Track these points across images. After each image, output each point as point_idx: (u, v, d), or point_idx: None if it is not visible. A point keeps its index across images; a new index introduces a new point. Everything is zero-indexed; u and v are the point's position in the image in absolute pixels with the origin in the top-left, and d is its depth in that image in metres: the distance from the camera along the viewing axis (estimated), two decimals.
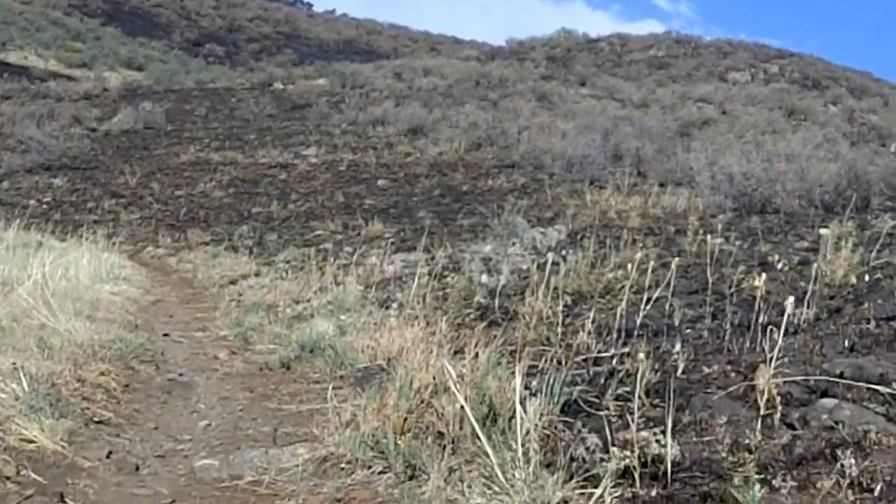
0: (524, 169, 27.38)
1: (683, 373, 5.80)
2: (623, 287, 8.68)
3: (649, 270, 7.52)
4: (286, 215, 22.74)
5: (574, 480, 4.00)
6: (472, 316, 8.51)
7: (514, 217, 15.03)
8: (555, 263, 10.01)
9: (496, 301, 8.79)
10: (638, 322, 6.90)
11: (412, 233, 17.87)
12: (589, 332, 6.77)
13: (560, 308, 7.60)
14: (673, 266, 7.23)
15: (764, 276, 6.06)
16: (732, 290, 8.02)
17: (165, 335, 9.83)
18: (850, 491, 3.89)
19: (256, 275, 14.01)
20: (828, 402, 4.78)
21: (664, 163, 24.82)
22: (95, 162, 33.06)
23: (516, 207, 16.93)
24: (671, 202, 18.15)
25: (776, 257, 9.28)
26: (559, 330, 7.22)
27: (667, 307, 7.64)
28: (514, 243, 12.24)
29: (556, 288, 8.05)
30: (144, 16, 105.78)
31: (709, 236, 9.45)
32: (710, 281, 8.07)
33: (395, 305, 9.18)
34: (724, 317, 7.02)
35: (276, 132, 37.22)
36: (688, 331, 7.05)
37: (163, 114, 41.98)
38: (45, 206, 26.26)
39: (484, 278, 10.10)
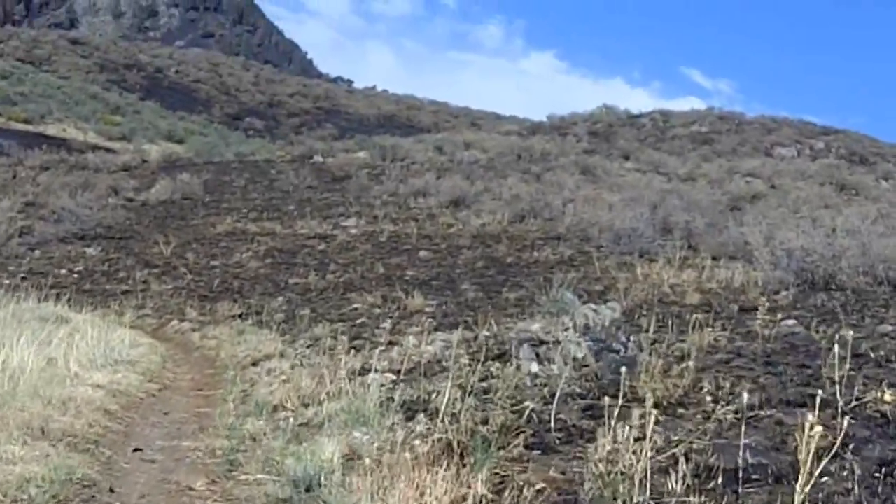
0: (570, 241, 26.56)
1: None
2: (702, 388, 7.93)
3: (729, 367, 6.39)
4: (324, 286, 21.83)
5: None
6: (521, 437, 7.00)
7: (563, 292, 13.99)
8: (613, 351, 9.17)
9: (552, 410, 7.48)
10: (745, 458, 5.50)
11: (455, 306, 16.93)
12: (684, 478, 5.40)
13: (632, 431, 5.97)
14: (754, 356, 6.04)
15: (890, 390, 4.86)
16: (851, 401, 6.78)
17: (137, 450, 8.32)
18: None
19: (281, 355, 12.98)
20: None
21: (716, 236, 23.98)
22: (130, 232, 32.51)
23: (565, 282, 15.87)
24: (726, 277, 17.17)
25: (865, 345, 8.28)
26: (638, 470, 5.59)
27: (776, 430, 6.36)
28: (564, 322, 11.19)
29: (625, 395, 6.76)
30: (184, 90, 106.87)
31: (779, 315, 8.43)
32: (810, 382, 6.88)
33: (423, 419, 7.60)
34: (858, 447, 5.62)
35: (316, 203, 36.63)
36: (824, 479, 5.24)
37: (201, 185, 41.63)
38: (75, 276, 25.61)
39: (534, 367, 9.11)
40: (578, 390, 8.23)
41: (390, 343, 11.62)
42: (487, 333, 11.36)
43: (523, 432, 6.97)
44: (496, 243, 26.67)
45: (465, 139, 61.08)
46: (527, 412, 7.42)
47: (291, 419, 8.46)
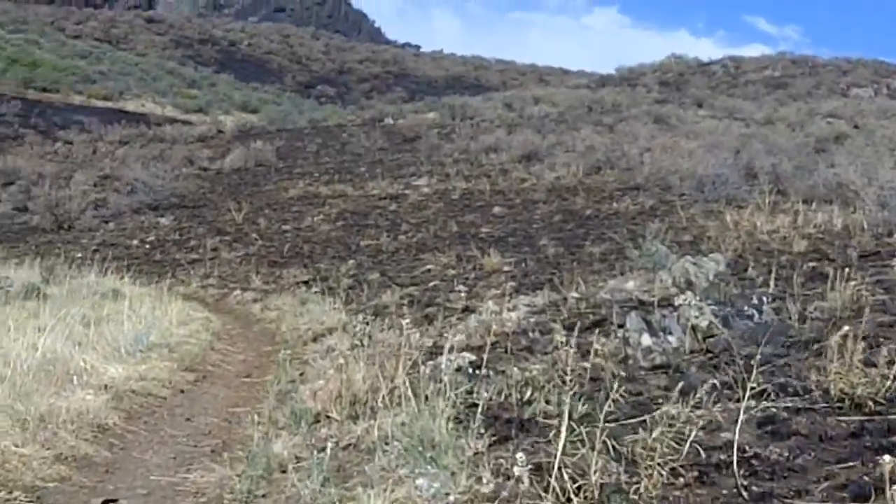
0: (650, 191, 25.54)
1: None
2: None
3: None
4: (395, 248, 21.23)
5: None
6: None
7: (656, 244, 12.93)
8: (745, 315, 7.65)
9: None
10: None
11: (535, 264, 16.17)
12: None
13: None
14: None
15: None
16: None
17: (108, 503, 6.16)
18: None
19: (343, 329, 12.00)
20: None
21: (805, 179, 22.74)
22: (203, 200, 32.30)
23: (657, 233, 14.86)
24: (824, 220, 15.97)
25: None
26: None
27: None
28: (661, 278, 10.07)
29: (807, 392, 5.20)
30: (256, 62, 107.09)
31: None
32: None
33: (521, 461, 4.74)
34: None
35: (387, 164, 36.06)
36: None
37: (274, 151, 41.32)
38: (147, 246, 25.37)
39: (646, 340, 7.42)
40: (725, 378, 6.04)
41: (466, 309, 10.69)
42: (576, 294, 10.31)
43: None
44: (572, 196, 25.80)
45: (533, 95, 60.19)
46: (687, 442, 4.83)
47: (335, 438, 6.38)
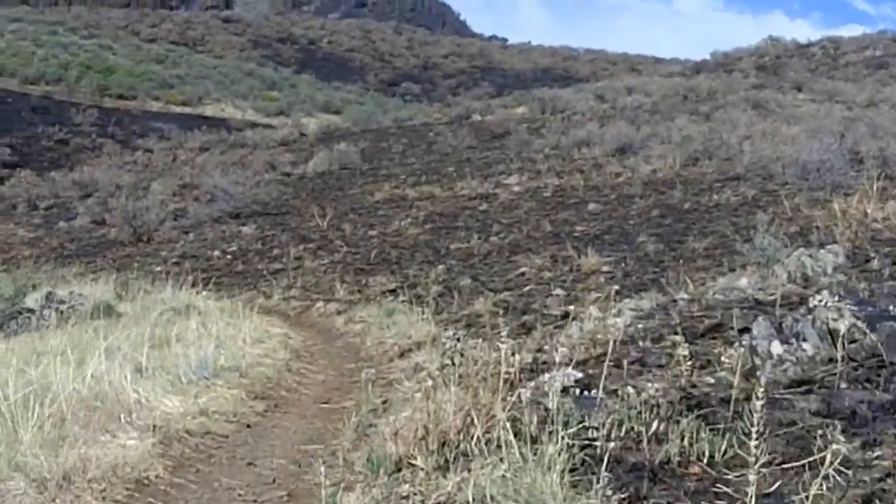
0: (751, 180, 24.38)
1: None
2: None
3: None
4: (487, 250, 20.21)
5: None
6: None
7: (768, 237, 11.83)
8: (891, 317, 6.36)
9: None
10: None
11: (635, 263, 15.10)
12: None
13: None
14: None
15: None
16: None
17: None
18: None
19: (433, 342, 10.82)
20: None
21: None
22: (287, 207, 31.53)
23: (768, 225, 13.72)
24: None
25: None
26: None
27: None
28: (775, 273, 9.03)
29: None
30: (338, 61, 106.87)
31: None
32: None
33: None
34: None
35: (476, 163, 35.12)
36: None
37: (358, 153, 40.64)
38: (228, 257, 24.61)
39: (776, 347, 6.26)
40: (888, 397, 5.03)
41: (566, 316, 9.72)
42: (686, 295, 9.17)
43: None
44: (670, 189, 24.64)
45: (626, 85, 59.20)
46: None
47: (419, 497, 5.26)
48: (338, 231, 25.59)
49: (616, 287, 11.29)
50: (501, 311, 11.18)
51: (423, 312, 13.63)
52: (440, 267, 18.67)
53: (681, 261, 14.01)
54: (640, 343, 7.21)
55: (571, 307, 10.75)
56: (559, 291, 12.62)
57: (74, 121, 60.79)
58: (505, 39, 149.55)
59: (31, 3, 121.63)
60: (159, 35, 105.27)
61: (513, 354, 5.99)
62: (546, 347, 7.77)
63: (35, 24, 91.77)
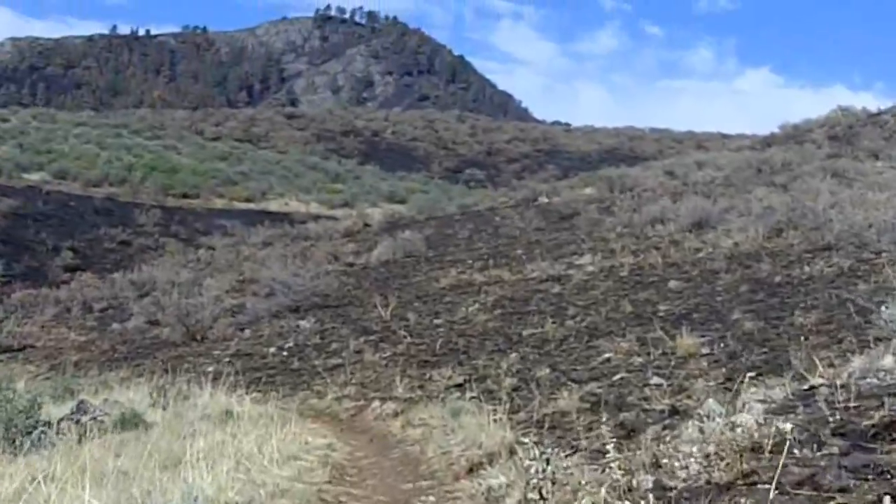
0: (844, 249, 22.64)
1: None
2: None
3: None
4: (563, 335, 18.51)
5: None
6: None
7: None
8: None
9: None
10: None
11: (736, 343, 13.33)
12: None
13: None
14: None
15: None
16: None
17: None
18: None
19: (511, 453, 8.85)
20: None
21: None
22: (348, 298, 30.04)
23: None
24: None
25: None
26: None
27: None
28: None
29: None
30: (401, 150, 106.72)
31: None
32: None
33: None
34: None
35: (545, 244, 33.60)
36: None
37: (423, 240, 39.30)
38: (284, 353, 23.09)
39: None
40: None
41: (674, 412, 7.98)
42: (822, 380, 7.45)
43: None
44: (756, 262, 22.92)
45: (696, 160, 57.59)
46: None
47: None
48: (401, 321, 24.01)
49: (723, 371, 9.57)
50: (591, 406, 9.45)
51: (495, 412, 11.56)
52: (513, 356, 16.93)
53: (789, 339, 12.28)
54: (797, 451, 5.37)
55: (678, 400, 8.99)
56: (657, 380, 10.80)
57: (138, 221, 60.69)
58: (568, 125, 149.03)
59: (97, 108, 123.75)
60: (223, 133, 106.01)
61: (624, 474, 4.28)
62: (665, 462, 5.81)
63: (99, 127, 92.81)
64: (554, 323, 19.60)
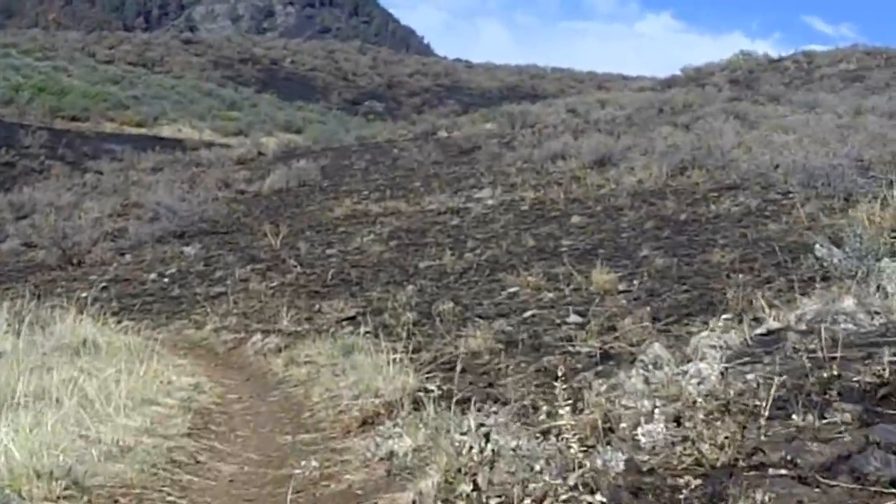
0: (750, 189, 22.16)
1: None
2: None
3: None
4: (463, 267, 17.49)
5: None
6: None
7: (860, 243, 9.26)
8: None
9: None
10: None
11: (653, 280, 12.43)
12: None
13: None
14: None
15: None
16: None
17: None
18: None
19: (415, 405, 7.27)
20: None
21: None
22: (237, 225, 28.61)
23: (856, 228, 11.07)
24: None
25: None
26: None
27: None
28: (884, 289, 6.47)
29: None
30: (300, 80, 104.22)
31: None
32: None
33: None
34: None
35: (444, 178, 32.58)
36: None
37: (318, 170, 37.93)
38: (165, 280, 21.68)
39: None
40: None
41: (606, 356, 6.92)
42: (776, 324, 6.51)
43: None
44: (660, 200, 22.29)
45: (598, 98, 57.18)
46: None
47: None
48: (292, 250, 22.72)
49: (648, 311, 8.63)
50: (505, 348, 8.30)
51: (394, 351, 9.84)
52: (409, 288, 15.79)
53: (708, 277, 11.46)
54: (799, 417, 4.32)
55: (605, 342, 7.94)
56: (575, 318, 9.75)
57: (23, 143, 57.98)
58: (469, 62, 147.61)
59: None
60: (117, 56, 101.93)
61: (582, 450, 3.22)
62: (624, 428, 4.66)
63: None
64: (453, 255, 18.59)
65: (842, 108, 44.27)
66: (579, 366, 7.09)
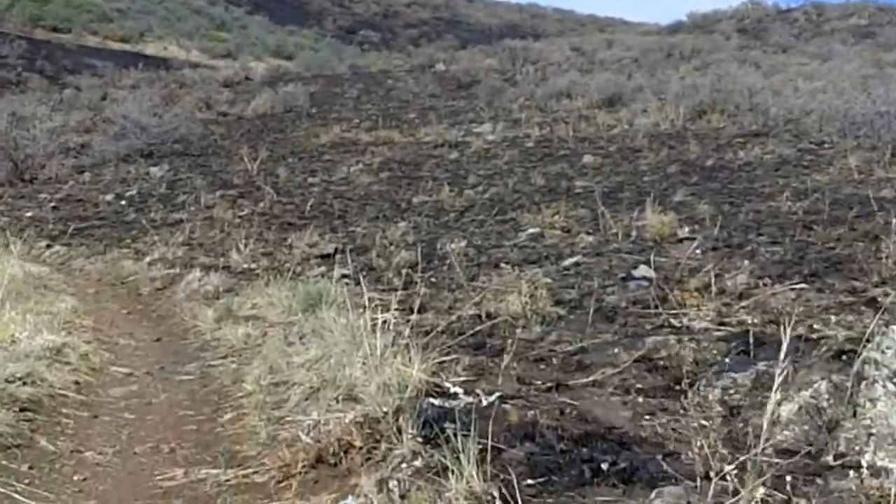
0: (779, 137, 20.20)
1: None
2: None
3: None
4: (465, 205, 15.13)
5: None
6: None
7: None
8: None
9: None
10: None
11: (718, 228, 10.00)
12: None
13: None
14: None
15: None
16: None
17: None
18: None
19: (424, 429, 3.79)
20: None
21: None
22: (213, 147, 26.11)
23: None
24: None
25: None
26: None
27: None
28: None
29: None
30: (294, 4, 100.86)
31: None
32: None
33: None
34: None
35: (441, 111, 30.43)
36: None
37: (307, 96, 35.54)
38: (122, 202, 19.26)
39: None
40: None
41: (738, 340, 4.68)
42: None
43: None
44: (681, 144, 20.29)
45: (604, 38, 55.13)
46: None
47: None
48: (270, 176, 20.29)
49: (751, 266, 6.37)
50: (568, 312, 5.64)
51: (383, 306, 6.34)
52: (401, 224, 13.25)
53: (784, 229, 9.28)
54: None
55: (721, 313, 5.60)
56: (645, 270, 7.26)
57: (0, 52, 55.51)
58: None
59: None
60: None
61: None
62: None
63: None
64: (452, 192, 16.30)
65: (855, 61, 42.45)
66: (706, 356, 4.68)
